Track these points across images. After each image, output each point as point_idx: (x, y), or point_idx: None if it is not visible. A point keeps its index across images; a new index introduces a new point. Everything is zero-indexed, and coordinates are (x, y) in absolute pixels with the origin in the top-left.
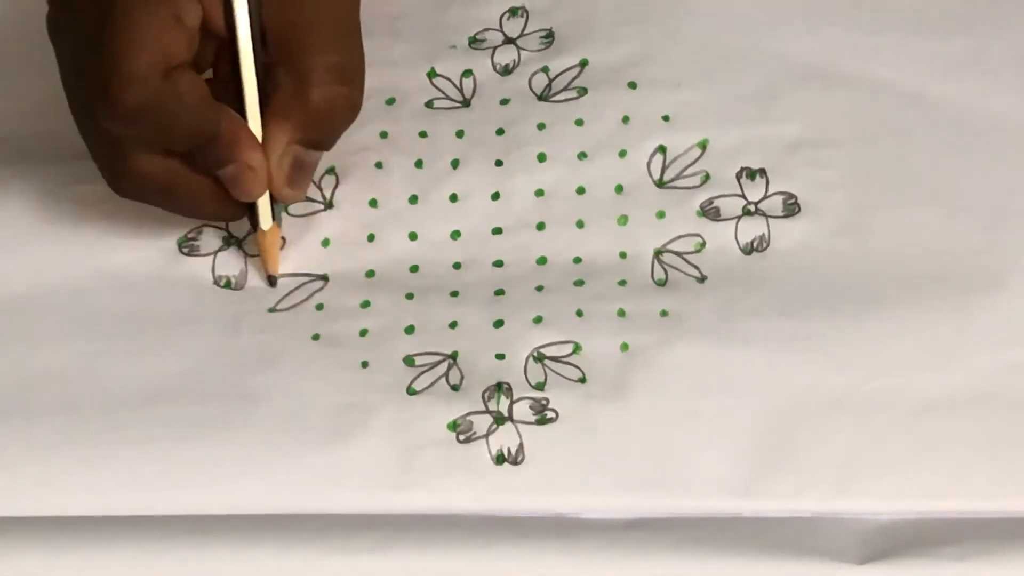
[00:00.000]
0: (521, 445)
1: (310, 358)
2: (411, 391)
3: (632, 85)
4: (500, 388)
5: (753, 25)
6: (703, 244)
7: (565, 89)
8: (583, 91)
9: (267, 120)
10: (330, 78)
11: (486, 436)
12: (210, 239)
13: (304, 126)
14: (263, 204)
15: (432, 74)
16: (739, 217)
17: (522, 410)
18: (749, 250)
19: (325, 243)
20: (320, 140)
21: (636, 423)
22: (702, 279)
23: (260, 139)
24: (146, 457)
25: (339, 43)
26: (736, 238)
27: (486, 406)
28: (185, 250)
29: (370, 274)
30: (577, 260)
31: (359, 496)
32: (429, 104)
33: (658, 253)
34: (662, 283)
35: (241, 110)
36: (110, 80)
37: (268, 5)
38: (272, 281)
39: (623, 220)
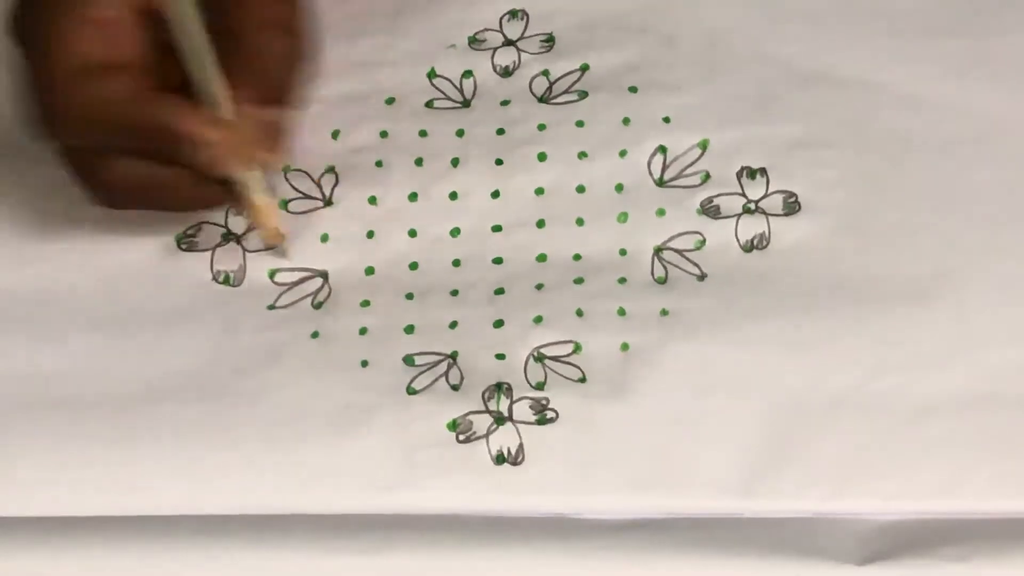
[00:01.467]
0: (521, 445)
1: (310, 357)
2: (411, 391)
3: (633, 89)
4: (500, 388)
5: (752, 30)
6: (703, 242)
7: (566, 92)
8: (583, 94)
9: (222, 90)
10: (267, 31)
11: (486, 436)
12: (209, 235)
13: (253, 84)
14: (247, 178)
15: (432, 74)
16: (739, 215)
17: (522, 410)
18: (749, 248)
19: (324, 239)
20: (276, 96)
21: (636, 423)
22: (702, 277)
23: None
24: (146, 457)
25: None
26: (736, 236)
27: (486, 406)
28: (184, 246)
29: (369, 271)
30: (577, 257)
31: (359, 496)
32: (429, 104)
33: (658, 250)
34: (662, 281)
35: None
36: (38, 90)
37: None
38: (281, 251)
39: (623, 217)
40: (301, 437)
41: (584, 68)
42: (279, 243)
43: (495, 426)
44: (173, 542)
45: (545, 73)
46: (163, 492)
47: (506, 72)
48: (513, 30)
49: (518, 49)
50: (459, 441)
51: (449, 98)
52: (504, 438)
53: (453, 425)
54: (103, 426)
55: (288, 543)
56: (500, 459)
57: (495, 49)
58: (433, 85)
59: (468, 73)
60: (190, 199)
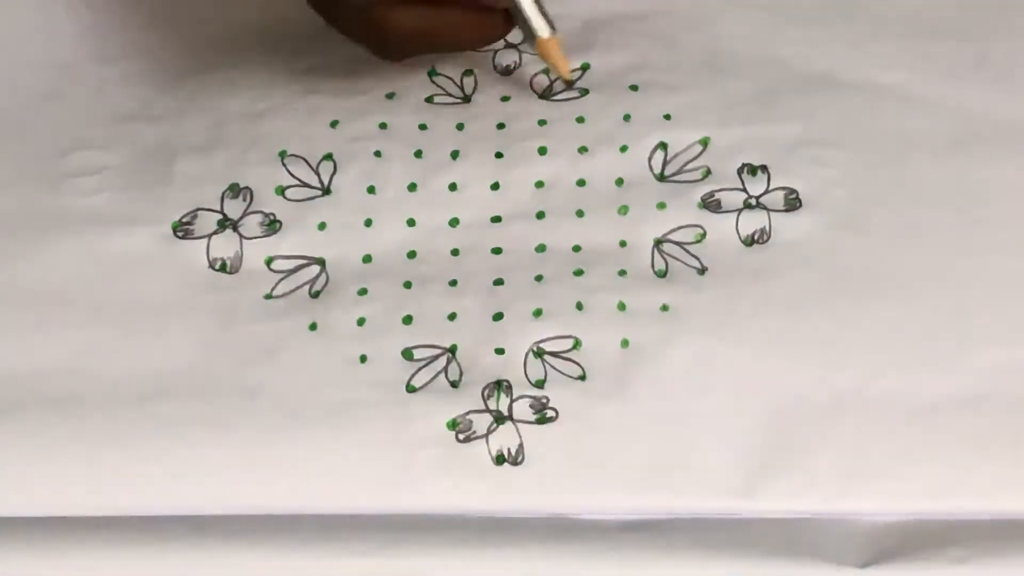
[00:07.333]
0: (521, 445)
1: (308, 351)
2: (410, 388)
3: (634, 88)
4: (500, 386)
5: (754, 33)
6: (703, 235)
7: (566, 89)
8: (584, 92)
9: None
10: None
11: (486, 436)
12: (204, 222)
13: None
14: (530, 10)
15: (433, 73)
16: (740, 210)
17: (522, 409)
18: (750, 242)
19: (321, 227)
20: None
21: (636, 422)
22: (702, 271)
23: None
24: (145, 457)
25: None
26: (737, 230)
27: (486, 404)
28: (180, 233)
29: (367, 259)
30: (576, 248)
31: (359, 496)
32: (429, 99)
33: (658, 243)
34: (662, 274)
35: None
36: None
37: None
38: (570, 84)
39: (623, 210)
40: (300, 436)
41: (585, 67)
42: (566, 76)
43: (495, 425)
44: (173, 542)
45: (546, 72)
46: (163, 492)
47: (507, 71)
48: (514, 34)
49: (519, 50)
50: (459, 440)
51: (449, 94)
52: (504, 438)
53: (453, 424)
54: (100, 426)
55: (287, 543)
56: (500, 459)
57: (496, 50)
58: (433, 82)
59: (469, 72)
60: (472, 34)
